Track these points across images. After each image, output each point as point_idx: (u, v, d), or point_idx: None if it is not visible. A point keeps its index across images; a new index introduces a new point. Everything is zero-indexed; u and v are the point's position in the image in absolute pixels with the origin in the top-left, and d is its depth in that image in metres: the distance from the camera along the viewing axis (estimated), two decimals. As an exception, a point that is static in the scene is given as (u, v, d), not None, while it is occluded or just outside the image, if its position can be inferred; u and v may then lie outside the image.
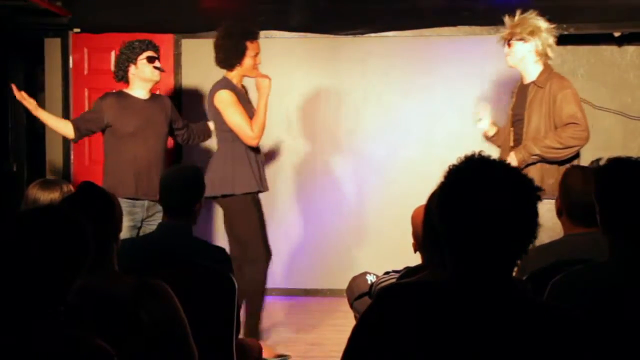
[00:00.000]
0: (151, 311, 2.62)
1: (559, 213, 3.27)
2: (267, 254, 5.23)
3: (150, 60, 5.32)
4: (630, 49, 7.19)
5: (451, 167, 2.02)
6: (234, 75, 5.24)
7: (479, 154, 2.04)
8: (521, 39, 4.98)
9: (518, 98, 5.10)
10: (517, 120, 5.05)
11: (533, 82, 4.98)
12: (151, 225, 5.11)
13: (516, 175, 1.98)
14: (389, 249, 6.64)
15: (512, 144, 5.05)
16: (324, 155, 7.04)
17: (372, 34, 6.95)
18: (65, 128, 5.34)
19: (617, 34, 6.84)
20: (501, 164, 2.01)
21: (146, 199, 5.22)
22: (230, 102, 5.13)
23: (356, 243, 7.02)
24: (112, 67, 5.42)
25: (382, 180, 6.92)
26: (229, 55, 5.20)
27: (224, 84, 5.21)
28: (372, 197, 6.99)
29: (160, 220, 5.02)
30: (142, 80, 5.33)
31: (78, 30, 7.05)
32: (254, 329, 5.21)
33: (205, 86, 7.06)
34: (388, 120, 6.93)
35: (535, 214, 1.96)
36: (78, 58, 7.08)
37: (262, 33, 6.54)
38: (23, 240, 2.05)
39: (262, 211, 5.28)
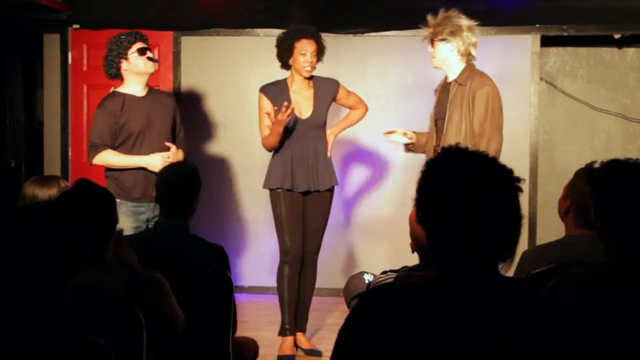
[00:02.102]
0: (146, 301, 2.64)
1: (565, 212, 3.25)
2: (299, 252, 5.31)
3: (142, 52, 5.11)
4: (630, 51, 7.19)
5: (429, 160, 2.00)
6: (292, 76, 5.31)
7: (457, 146, 2.01)
8: (443, 40, 4.94)
9: (440, 96, 5.07)
10: (439, 119, 5.03)
11: (454, 80, 4.95)
12: None
13: (495, 166, 1.95)
14: (388, 249, 6.64)
15: (435, 142, 5.02)
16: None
17: (372, 33, 6.94)
18: (121, 159, 5.09)
19: (617, 36, 6.84)
20: (480, 155, 1.98)
21: (153, 201, 5.09)
22: (259, 105, 5.31)
23: (354, 242, 7.02)
24: (103, 66, 5.17)
25: (381, 180, 6.91)
26: (280, 54, 5.28)
27: (268, 84, 5.33)
28: (371, 197, 6.98)
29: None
30: (136, 74, 5.13)
31: (77, 26, 7.04)
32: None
33: (204, 83, 7.07)
34: (388, 119, 6.92)
35: (517, 205, 1.93)
36: (77, 54, 7.07)
37: (261, 31, 6.57)
38: (22, 237, 2.04)
39: (314, 209, 5.32)
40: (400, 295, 1.93)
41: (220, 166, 7.02)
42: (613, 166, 2.47)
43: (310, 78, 5.31)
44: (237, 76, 6.56)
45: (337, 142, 6.99)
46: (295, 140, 5.25)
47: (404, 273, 3.47)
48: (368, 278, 4.06)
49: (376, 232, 6.92)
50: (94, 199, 2.79)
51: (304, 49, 5.19)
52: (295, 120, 5.23)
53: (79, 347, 2.03)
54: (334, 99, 5.41)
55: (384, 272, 3.87)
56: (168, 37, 7.06)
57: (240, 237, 6.83)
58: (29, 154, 7.76)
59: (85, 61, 7.06)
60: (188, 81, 7.10)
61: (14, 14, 7.02)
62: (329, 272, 6.95)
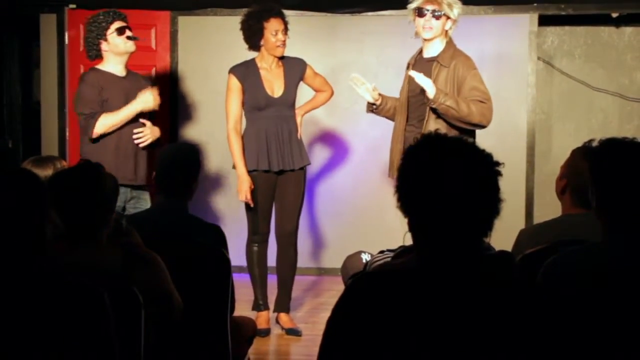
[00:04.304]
0: (141, 279, 2.66)
1: (561, 192, 3.25)
2: (267, 232, 5.40)
3: (120, 31, 5.03)
4: (627, 30, 7.18)
5: (408, 148, 2.01)
6: (261, 56, 5.29)
7: (436, 133, 2.03)
8: (447, 17, 4.81)
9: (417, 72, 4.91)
10: (415, 97, 4.92)
11: (436, 60, 4.83)
12: (135, 209, 4.96)
13: (473, 151, 1.97)
14: (384, 229, 6.64)
15: (407, 121, 4.95)
16: (320, 134, 7.03)
17: (369, 13, 6.93)
18: (118, 115, 4.99)
19: (615, 15, 6.82)
20: (458, 140, 2.00)
21: (130, 184, 4.99)
22: (228, 86, 5.29)
23: (350, 222, 7.02)
24: (82, 47, 5.18)
25: (377, 160, 6.90)
26: (249, 37, 5.26)
27: (237, 65, 5.33)
28: (367, 177, 6.98)
29: (144, 202, 5.05)
30: (116, 54, 5.06)
31: (74, 6, 7.01)
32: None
33: (201, 63, 7.05)
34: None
35: (495, 188, 1.95)
36: (74, 34, 7.04)
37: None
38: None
39: (288, 189, 5.32)
40: (384, 283, 1.94)
41: (218, 146, 7.01)
42: (610, 144, 2.47)
43: (279, 57, 5.29)
44: (234, 56, 6.49)
45: (333, 121, 7.01)
46: (268, 119, 5.24)
47: (401, 252, 3.47)
48: (365, 257, 4.06)
49: (370, 212, 6.93)
50: (84, 177, 2.79)
51: (275, 28, 5.17)
52: (268, 99, 5.24)
53: (71, 289, 2.12)
54: (301, 78, 5.39)
55: (381, 252, 3.87)
56: (165, 17, 7.05)
57: (238, 217, 6.82)
58: (27, 135, 7.74)
59: (82, 41, 6.99)
60: (185, 61, 7.08)
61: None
62: (323, 252, 7.01)
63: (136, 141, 5.04)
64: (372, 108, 5.11)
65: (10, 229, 2.13)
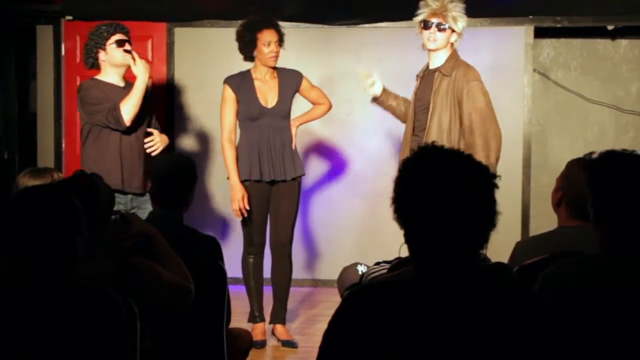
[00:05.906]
0: (135, 286, 2.67)
1: (557, 204, 3.25)
2: (262, 243, 5.39)
3: (120, 43, 5.07)
4: (623, 43, 7.20)
5: (404, 160, 2.02)
6: (256, 67, 5.33)
7: (433, 145, 2.03)
8: (451, 29, 4.86)
9: (422, 84, 5.00)
10: (420, 107, 4.97)
11: (438, 70, 4.89)
12: None
13: (470, 163, 1.97)
14: (379, 240, 6.64)
15: (413, 131, 5.00)
16: (316, 145, 7.03)
17: (366, 25, 6.94)
18: (135, 94, 4.98)
19: (610, 27, 6.84)
20: (455, 152, 2.01)
21: (131, 191, 5.06)
22: (222, 96, 5.34)
23: (346, 234, 7.02)
24: (78, 58, 5.24)
25: (374, 172, 6.92)
26: (243, 47, 5.31)
27: (232, 75, 5.37)
28: (364, 189, 6.98)
29: (145, 211, 5.04)
30: (113, 66, 5.10)
31: (70, 17, 7.02)
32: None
33: (198, 75, 7.06)
34: (381, 111, 6.92)
35: (492, 201, 1.96)
36: (70, 46, 7.05)
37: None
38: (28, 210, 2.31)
39: (281, 199, 5.33)
40: (381, 295, 1.94)
41: (214, 157, 7.01)
42: (610, 156, 2.48)
43: (274, 68, 5.32)
44: (230, 67, 6.52)
45: (330, 133, 7.01)
46: (261, 130, 5.26)
47: (397, 264, 3.47)
48: (361, 269, 4.06)
49: (367, 224, 6.93)
50: (80, 189, 2.79)
51: (267, 39, 5.20)
52: (261, 110, 5.25)
53: (92, 297, 2.29)
54: (297, 90, 5.41)
55: (377, 263, 3.87)
56: (161, 29, 7.05)
57: (234, 228, 6.83)
58: (23, 146, 7.74)
59: (78, 53, 7.00)
60: (181, 73, 7.09)
61: (7, 5, 7.00)
62: (319, 263, 7.00)
63: (148, 150, 5.13)
64: (374, 99, 5.27)
65: (45, 243, 2.28)
